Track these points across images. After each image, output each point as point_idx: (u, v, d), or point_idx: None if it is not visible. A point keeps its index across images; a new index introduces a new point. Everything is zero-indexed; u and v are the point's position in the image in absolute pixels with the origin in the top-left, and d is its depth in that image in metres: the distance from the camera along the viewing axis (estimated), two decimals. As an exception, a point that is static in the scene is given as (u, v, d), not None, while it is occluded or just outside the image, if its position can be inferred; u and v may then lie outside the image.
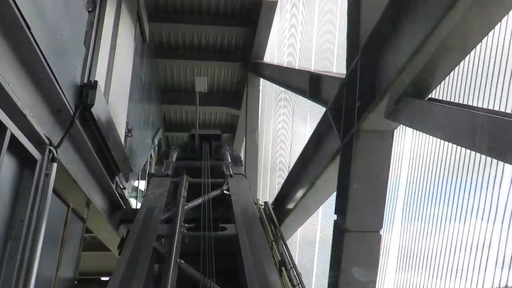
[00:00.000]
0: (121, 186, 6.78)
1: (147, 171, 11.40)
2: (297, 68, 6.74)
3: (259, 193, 10.90)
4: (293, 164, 5.62)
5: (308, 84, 4.90)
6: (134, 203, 12.29)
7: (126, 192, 7.34)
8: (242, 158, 13.42)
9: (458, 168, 2.91)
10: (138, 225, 4.64)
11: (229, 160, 7.43)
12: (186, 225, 4.62)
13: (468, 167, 2.79)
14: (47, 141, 3.49)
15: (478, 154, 2.49)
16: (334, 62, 5.80)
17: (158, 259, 4.51)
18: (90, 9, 4.66)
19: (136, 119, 8.46)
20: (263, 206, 6.77)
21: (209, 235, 4.14)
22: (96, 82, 4.49)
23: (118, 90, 6.12)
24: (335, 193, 4.93)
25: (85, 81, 4.52)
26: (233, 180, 6.37)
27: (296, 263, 4.98)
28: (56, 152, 3.60)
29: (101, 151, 5.26)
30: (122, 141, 6.79)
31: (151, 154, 12.25)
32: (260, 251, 4.11)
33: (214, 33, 10.97)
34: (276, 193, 10.50)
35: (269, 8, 9.11)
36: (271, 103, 10.89)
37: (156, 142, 12.35)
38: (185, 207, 5.20)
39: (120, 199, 6.70)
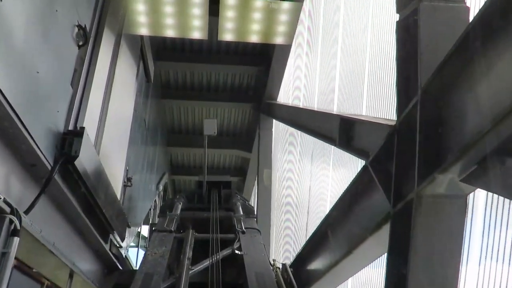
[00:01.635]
0: (117, 244, 5.89)
1: (150, 220, 10.51)
2: (318, 109, 5.94)
3: (272, 240, 9.83)
4: (320, 223, 4.70)
5: (338, 131, 4.07)
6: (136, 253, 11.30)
7: (123, 251, 6.43)
8: (253, 203, 12.52)
9: None
10: (131, 301, 3.80)
11: (241, 212, 6.60)
12: (189, 302, 3.79)
13: None
14: (7, 208, 2.65)
15: None
16: (363, 105, 5.03)
17: None
18: (80, 43, 3.96)
19: (138, 166, 7.66)
20: (280, 269, 5.82)
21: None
22: (83, 128, 3.71)
23: (115, 135, 5.35)
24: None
25: (71, 127, 3.75)
26: (245, 237, 5.60)
27: None
28: (20, 222, 2.75)
29: (91, 208, 4.42)
30: (119, 192, 5.96)
31: (155, 200, 11.38)
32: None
33: (225, 72, 10.34)
34: (287, 245, 9.51)
35: (283, 48, 8.44)
36: (284, 146, 10.09)
37: (161, 187, 11.50)
38: (190, 271, 4.41)
39: (115, 260, 5.79)
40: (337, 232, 4.11)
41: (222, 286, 4.12)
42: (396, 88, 2.88)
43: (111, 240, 5.56)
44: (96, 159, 4.17)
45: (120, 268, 6.05)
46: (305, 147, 8.05)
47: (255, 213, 7.38)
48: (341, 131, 4.04)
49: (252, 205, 11.30)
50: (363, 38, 5.19)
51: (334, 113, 4.69)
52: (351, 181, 3.70)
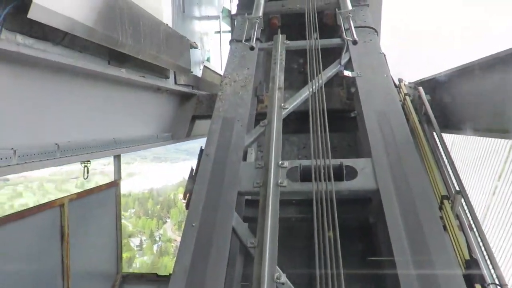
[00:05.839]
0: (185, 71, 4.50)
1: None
2: None
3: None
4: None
5: None
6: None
7: (197, 72, 5.08)
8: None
9: None
10: (208, 167, 2.68)
11: (348, 3, 4.34)
12: (285, 164, 2.52)
13: None
14: None
15: None
16: None
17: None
18: None
19: None
20: (411, 96, 4.06)
21: (326, 186, 2.13)
22: None
23: None
24: None
25: None
26: (357, 47, 3.72)
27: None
28: None
29: (118, 55, 2.90)
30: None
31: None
32: (426, 238, 2.00)
33: None
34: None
35: None
36: None
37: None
38: (283, 111, 3.04)
39: (187, 90, 4.54)
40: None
41: (329, 122, 2.69)
42: None
43: (175, 73, 4.19)
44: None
45: (197, 93, 4.84)
46: None
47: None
48: None
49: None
50: None
51: None
52: None
